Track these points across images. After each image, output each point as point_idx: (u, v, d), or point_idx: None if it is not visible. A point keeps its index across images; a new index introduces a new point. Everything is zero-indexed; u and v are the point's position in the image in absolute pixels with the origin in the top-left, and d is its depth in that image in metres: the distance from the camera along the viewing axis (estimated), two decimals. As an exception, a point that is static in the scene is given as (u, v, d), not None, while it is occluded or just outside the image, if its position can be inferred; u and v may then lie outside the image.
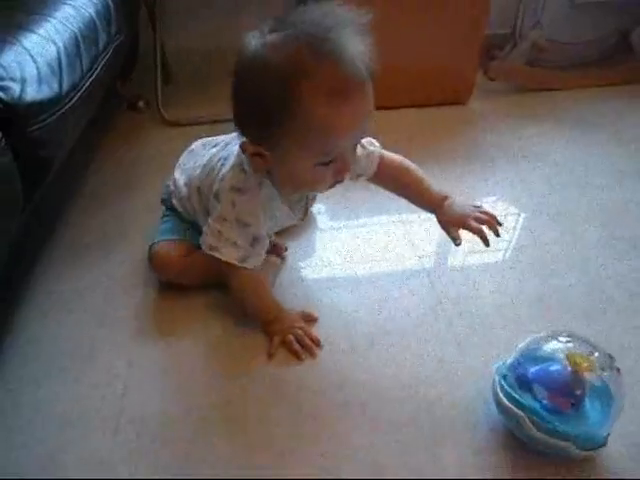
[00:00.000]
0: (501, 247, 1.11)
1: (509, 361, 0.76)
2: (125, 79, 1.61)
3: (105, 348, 0.91)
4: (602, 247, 1.10)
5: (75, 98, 0.95)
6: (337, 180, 0.82)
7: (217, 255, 0.87)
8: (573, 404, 0.70)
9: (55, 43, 0.96)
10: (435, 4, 1.45)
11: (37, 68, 0.87)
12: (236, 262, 0.87)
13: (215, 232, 0.87)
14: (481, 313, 0.95)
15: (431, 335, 0.92)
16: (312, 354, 0.89)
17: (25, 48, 0.88)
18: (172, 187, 1.04)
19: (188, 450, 0.77)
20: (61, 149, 0.93)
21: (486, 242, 0.89)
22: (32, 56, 0.88)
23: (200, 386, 0.85)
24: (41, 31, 0.96)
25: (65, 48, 0.97)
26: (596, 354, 0.73)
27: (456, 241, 0.91)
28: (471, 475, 0.73)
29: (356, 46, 0.70)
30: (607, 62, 1.77)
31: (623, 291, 1.00)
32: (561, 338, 0.76)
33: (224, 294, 0.97)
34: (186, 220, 1.03)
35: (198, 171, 0.98)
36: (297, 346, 0.89)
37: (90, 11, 1.14)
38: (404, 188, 0.99)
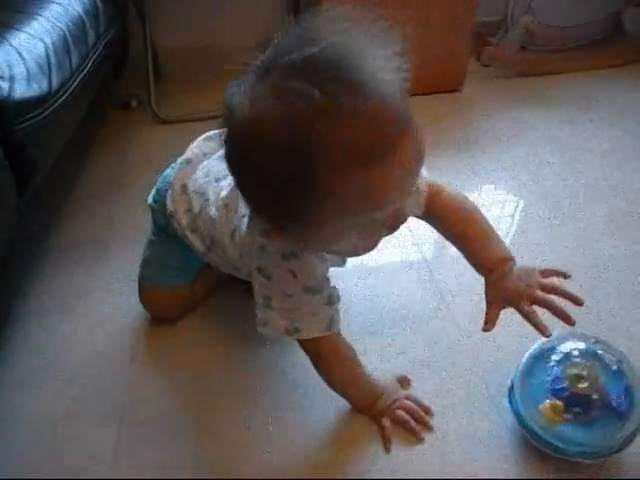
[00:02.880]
0: (501, 234, 1.09)
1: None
2: (117, 78, 1.60)
3: (104, 347, 0.91)
4: (603, 229, 1.09)
5: (65, 96, 0.94)
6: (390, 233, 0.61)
7: (300, 337, 0.70)
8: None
9: (44, 41, 0.95)
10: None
11: (26, 66, 0.86)
12: (324, 332, 0.70)
13: (284, 314, 0.69)
14: (482, 303, 0.95)
15: (431, 325, 0.91)
16: (428, 428, 0.76)
17: (13, 46, 0.88)
18: (170, 209, 0.83)
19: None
20: (52, 147, 0.92)
21: (542, 333, 0.67)
22: (20, 54, 0.87)
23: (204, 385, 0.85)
24: (29, 29, 0.95)
25: (54, 46, 0.97)
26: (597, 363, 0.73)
27: (485, 325, 0.70)
28: (473, 468, 0.73)
29: (383, 75, 0.50)
30: (600, 44, 1.76)
31: (625, 274, 0.99)
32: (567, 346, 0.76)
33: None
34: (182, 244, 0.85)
35: (203, 205, 0.78)
36: (413, 423, 0.76)
37: (78, 9, 1.14)
38: (459, 238, 0.78)
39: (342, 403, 0.79)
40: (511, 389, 0.75)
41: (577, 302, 0.67)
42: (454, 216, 0.77)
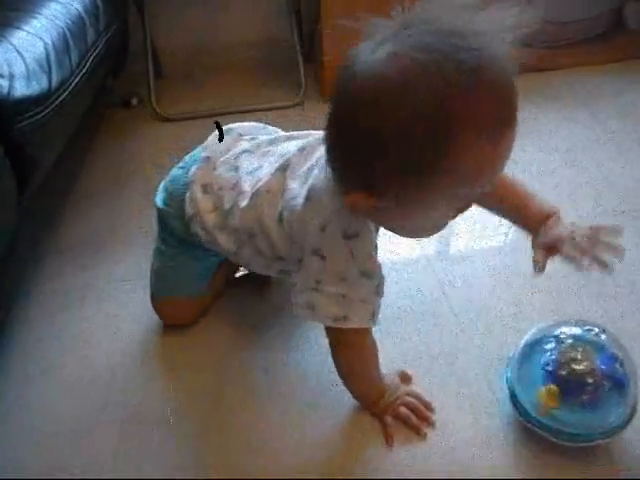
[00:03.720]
0: (501, 231, 1.10)
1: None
2: (117, 76, 1.60)
3: (105, 346, 0.91)
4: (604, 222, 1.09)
5: (65, 94, 0.94)
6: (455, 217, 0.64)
7: (346, 325, 0.68)
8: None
9: (43, 40, 0.95)
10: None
11: (25, 65, 0.86)
12: (367, 324, 0.69)
13: (338, 298, 0.67)
14: (483, 298, 0.95)
15: (432, 321, 0.91)
16: (430, 423, 0.76)
17: (13, 45, 0.88)
18: (191, 212, 0.79)
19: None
20: (52, 145, 0.92)
21: (579, 268, 0.69)
22: (20, 53, 0.87)
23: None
24: (29, 28, 0.95)
25: (53, 44, 0.97)
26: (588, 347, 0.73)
27: (536, 266, 0.71)
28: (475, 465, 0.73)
29: (507, 60, 0.52)
30: (601, 40, 1.75)
31: (627, 271, 0.98)
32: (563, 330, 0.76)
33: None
34: (198, 246, 0.82)
35: (236, 197, 0.76)
36: (415, 419, 0.76)
37: (77, 7, 1.14)
38: (502, 202, 0.77)
39: (344, 402, 0.79)
40: (508, 377, 0.76)
41: (619, 252, 0.69)
42: (505, 198, 0.76)
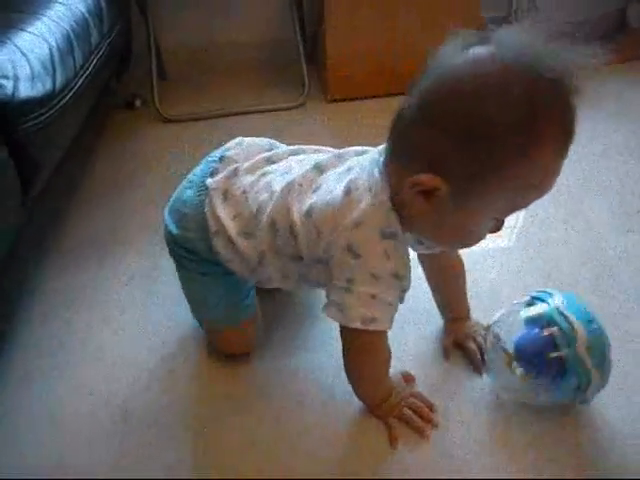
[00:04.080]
0: (504, 230, 1.09)
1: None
2: (120, 77, 1.60)
3: (107, 346, 0.91)
4: (606, 223, 1.09)
5: (69, 95, 0.95)
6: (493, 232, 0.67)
7: (374, 327, 0.67)
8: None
9: (47, 41, 0.96)
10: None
11: (30, 66, 0.86)
12: (387, 327, 0.69)
13: (367, 299, 0.66)
14: (486, 296, 0.94)
15: (433, 322, 0.91)
16: (433, 425, 0.76)
17: (17, 46, 0.88)
18: (214, 227, 0.74)
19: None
20: (55, 146, 0.93)
21: (476, 369, 0.82)
22: (24, 54, 0.87)
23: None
24: (33, 29, 0.96)
25: (58, 46, 0.97)
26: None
27: (445, 354, 0.85)
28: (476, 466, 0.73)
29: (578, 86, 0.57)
30: (605, 41, 1.75)
31: (633, 269, 0.98)
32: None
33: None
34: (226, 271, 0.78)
35: (268, 198, 0.72)
36: (418, 421, 0.75)
37: (82, 9, 1.14)
38: (443, 283, 0.87)
39: (348, 403, 0.79)
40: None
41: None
42: (447, 270, 0.86)
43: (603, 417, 0.75)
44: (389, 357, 0.75)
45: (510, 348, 0.74)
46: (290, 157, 0.78)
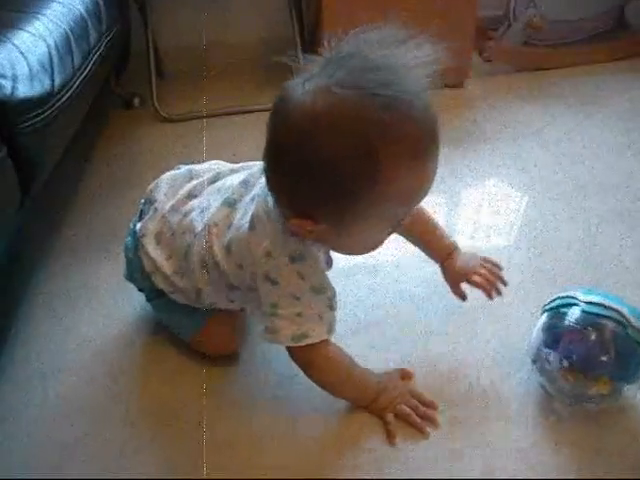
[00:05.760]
0: (506, 229, 1.10)
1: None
2: (119, 77, 1.60)
3: (107, 346, 0.91)
4: (607, 222, 1.09)
5: (67, 95, 0.94)
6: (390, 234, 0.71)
7: (306, 342, 0.70)
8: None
9: (46, 41, 0.95)
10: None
11: (28, 65, 0.86)
12: (327, 336, 0.72)
13: (293, 318, 0.70)
14: (484, 297, 0.94)
15: (433, 319, 0.91)
16: (434, 422, 0.76)
17: (15, 46, 0.87)
18: (149, 267, 0.82)
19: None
20: (54, 146, 0.92)
21: (489, 296, 0.85)
22: (23, 53, 0.87)
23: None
24: (31, 29, 0.95)
25: (56, 45, 0.97)
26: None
27: (462, 299, 0.87)
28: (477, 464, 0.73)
29: (422, 82, 0.58)
30: (603, 38, 1.75)
31: (635, 268, 0.98)
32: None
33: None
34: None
35: (192, 240, 0.77)
36: (416, 417, 0.76)
37: (80, 8, 1.14)
38: (415, 234, 0.88)
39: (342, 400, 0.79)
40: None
41: (503, 281, 0.86)
42: (416, 221, 0.84)
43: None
44: (343, 356, 0.75)
45: (586, 372, 0.71)
46: (209, 187, 0.82)
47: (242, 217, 0.72)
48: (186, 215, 0.79)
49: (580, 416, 0.75)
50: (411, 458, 0.72)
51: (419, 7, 1.45)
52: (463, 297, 0.87)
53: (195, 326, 0.86)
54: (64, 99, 0.93)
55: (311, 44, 1.71)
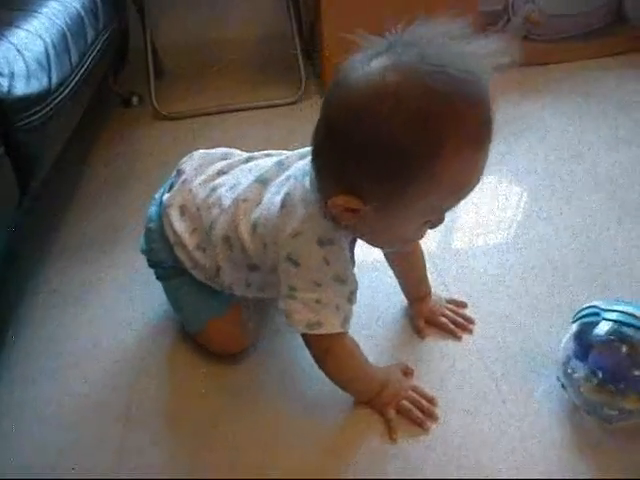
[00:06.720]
0: (505, 225, 1.10)
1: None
2: (117, 75, 1.60)
3: (107, 345, 0.91)
4: (607, 216, 1.09)
5: (65, 93, 0.94)
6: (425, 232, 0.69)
7: (319, 331, 0.69)
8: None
9: (43, 38, 0.95)
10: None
11: (25, 63, 0.86)
12: (340, 329, 0.70)
13: (311, 304, 0.68)
14: (486, 293, 0.94)
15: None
16: (434, 418, 0.76)
17: (12, 44, 0.87)
18: (172, 238, 0.80)
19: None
20: (52, 144, 0.92)
21: (455, 336, 0.87)
22: (20, 51, 0.87)
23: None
24: (28, 27, 0.95)
25: (53, 43, 0.97)
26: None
27: (420, 334, 0.87)
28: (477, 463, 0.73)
29: (489, 71, 0.57)
30: (602, 33, 1.75)
31: (635, 264, 0.98)
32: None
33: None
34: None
35: (218, 214, 0.76)
36: (417, 412, 0.75)
37: (77, 6, 1.14)
38: (402, 268, 0.90)
39: (344, 397, 0.78)
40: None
41: (468, 319, 0.89)
42: (408, 256, 0.89)
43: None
44: (357, 351, 0.75)
45: (616, 388, 0.68)
46: (242, 165, 0.81)
47: (273, 196, 0.71)
48: (214, 190, 0.78)
49: (603, 429, 0.73)
50: (412, 457, 0.72)
51: (420, 1, 1.45)
52: (423, 335, 0.87)
53: (209, 313, 0.84)
54: (61, 97, 0.93)
55: (310, 41, 1.71)
